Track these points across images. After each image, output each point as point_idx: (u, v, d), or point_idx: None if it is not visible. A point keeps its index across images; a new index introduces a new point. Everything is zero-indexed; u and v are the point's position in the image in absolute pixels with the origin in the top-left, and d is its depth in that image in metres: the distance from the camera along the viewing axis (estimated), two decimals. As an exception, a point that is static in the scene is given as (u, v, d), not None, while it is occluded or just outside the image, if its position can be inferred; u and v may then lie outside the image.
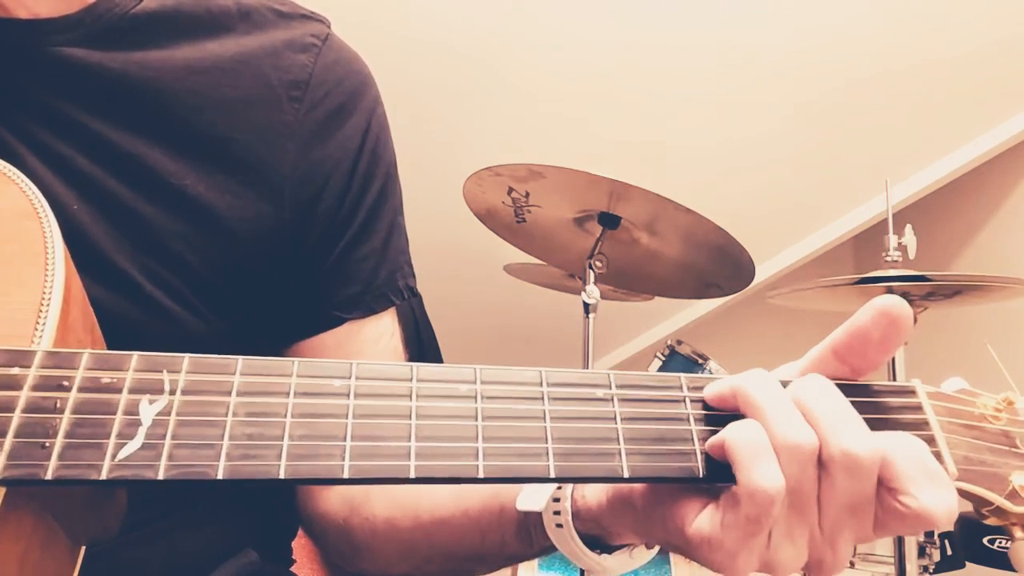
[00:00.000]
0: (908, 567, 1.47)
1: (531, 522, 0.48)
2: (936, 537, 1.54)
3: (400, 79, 1.88)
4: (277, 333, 0.61)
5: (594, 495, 0.44)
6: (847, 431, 0.36)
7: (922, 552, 1.51)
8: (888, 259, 1.56)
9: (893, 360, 1.61)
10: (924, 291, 1.52)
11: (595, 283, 1.54)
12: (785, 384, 0.39)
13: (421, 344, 0.66)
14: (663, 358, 1.89)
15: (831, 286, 1.56)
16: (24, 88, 0.52)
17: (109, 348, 0.46)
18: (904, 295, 1.53)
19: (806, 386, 0.38)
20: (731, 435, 0.37)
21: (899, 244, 1.57)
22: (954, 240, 2.54)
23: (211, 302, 0.56)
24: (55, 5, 0.53)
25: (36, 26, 0.52)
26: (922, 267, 1.51)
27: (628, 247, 1.63)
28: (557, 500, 0.45)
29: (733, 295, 1.81)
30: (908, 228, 1.58)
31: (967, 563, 1.52)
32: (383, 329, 0.63)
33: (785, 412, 0.37)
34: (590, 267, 1.54)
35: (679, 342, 1.90)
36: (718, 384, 0.40)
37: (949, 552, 1.53)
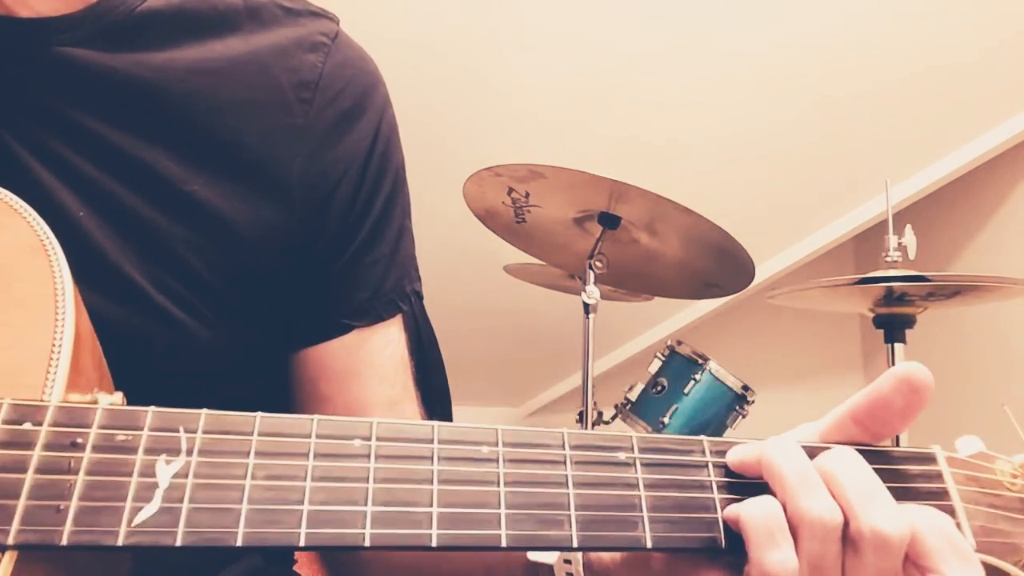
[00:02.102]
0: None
1: (540, 567, 0.48)
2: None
3: (400, 80, 1.86)
4: (284, 340, 0.60)
5: (609, 553, 0.44)
6: (876, 508, 0.36)
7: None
8: (888, 259, 1.56)
9: (893, 361, 1.62)
10: (924, 291, 1.53)
11: (595, 283, 1.54)
12: (810, 452, 0.38)
13: (421, 345, 0.65)
14: (663, 358, 1.89)
15: (831, 286, 1.57)
16: (26, 90, 0.50)
17: (115, 360, 0.46)
18: (904, 295, 1.53)
19: (834, 458, 0.38)
20: (746, 512, 0.37)
21: (899, 244, 1.57)
22: (954, 240, 2.54)
23: (219, 309, 0.55)
24: (57, 4, 0.51)
25: (38, 25, 0.50)
26: (922, 267, 1.51)
27: (628, 247, 1.62)
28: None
29: (733, 295, 1.81)
30: (908, 228, 1.58)
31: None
32: (390, 337, 0.63)
33: (810, 484, 0.36)
34: (590, 267, 1.54)
35: (679, 342, 1.90)
36: (742, 450, 0.39)
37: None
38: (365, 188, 0.61)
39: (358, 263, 0.61)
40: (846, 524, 0.36)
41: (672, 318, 2.54)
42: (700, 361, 1.84)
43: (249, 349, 0.57)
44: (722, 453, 0.39)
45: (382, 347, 0.62)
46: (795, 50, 1.98)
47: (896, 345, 1.62)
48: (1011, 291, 1.53)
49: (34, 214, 0.42)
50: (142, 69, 0.53)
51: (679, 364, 1.87)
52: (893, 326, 1.62)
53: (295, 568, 0.70)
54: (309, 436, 0.34)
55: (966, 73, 2.02)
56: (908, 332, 1.62)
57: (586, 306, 1.54)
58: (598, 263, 1.55)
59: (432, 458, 0.35)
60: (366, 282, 0.61)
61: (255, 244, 0.56)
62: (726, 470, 0.39)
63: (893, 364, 1.60)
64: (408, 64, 1.89)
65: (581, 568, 0.44)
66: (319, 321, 0.60)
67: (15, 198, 0.43)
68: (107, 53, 0.52)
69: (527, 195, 1.52)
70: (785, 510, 0.36)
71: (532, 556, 0.45)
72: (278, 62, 0.58)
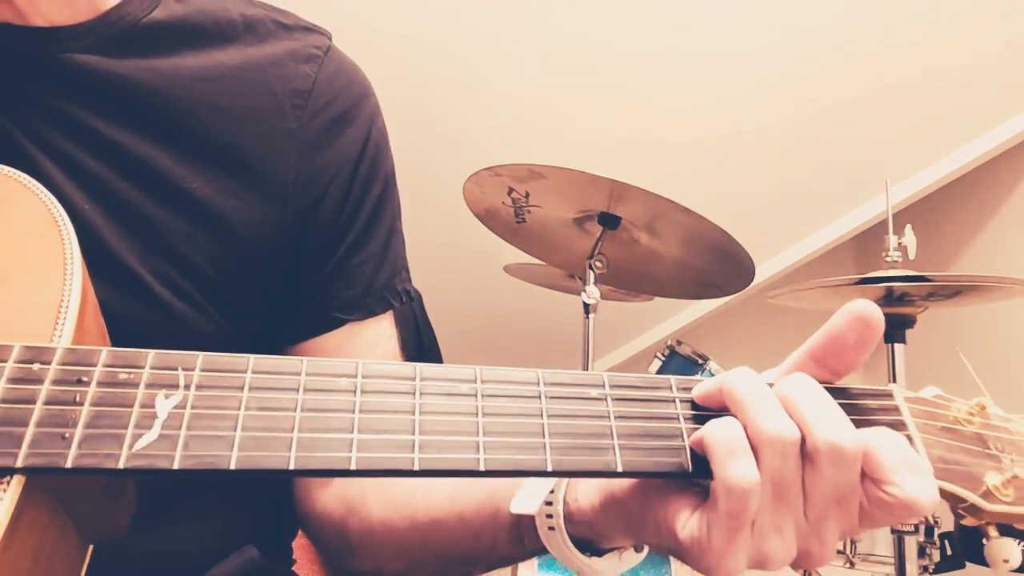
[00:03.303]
0: (908, 567, 1.47)
1: (524, 525, 0.49)
2: (936, 537, 1.55)
3: (400, 80, 1.89)
4: (279, 334, 0.63)
5: (586, 498, 0.46)
6: (830, 422, 0.38)
7: (922, 552, 1.51)
8: (888, 259, 1.56)
9: (893, 361, 1.61)
10: (924, 291, 1.52)
11: (595, 283, 1.54)
12: (771, 385, 0.41)
13: (422, 345, 0.68)
14: (663, 358, 1.89)
15: (831, 286, 1.57)
16: (38, 93, 0.54)
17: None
18: (904, 295, 1.54)
19: (790, 382, 0.40)
20: (708, 431, 0.39)
21: (899, 244, 1.57)
22: (954, 240, 2.54)
23: (217, 302, 0.58)
24: (69, 13, 0.55)
25: (51, 33, 0.54)
26: (922, 267, 1.51)
27: (628, 247, 1.63)
28: (550, 504, 0.47)
29: (733, 295, 1.82)
30: (908, 228, 1.58)
31: (967, 563, 1.53)
32: (382, 332, 0.66)
33: (768, 405, 0.39)
34: (590, 267, 1.55)
35: (679, 342, 1.90)
36: (706, 384, 0.41)
37: (949, 552, 1.54)
38: (355, 190, 0.64)
39: (349, 261, 0.64)
40: (804, 442, 0.38)
41: (672, 318, 2.54)
42: (700, 361, 1.85)
43: (245, 342, 0.60)
44: (688, 389, 0.41)
45: (374, 341, 0.65)
46: (796, 51, 1.99)
47: (896, 345, 1.61)
48: (1011, 291, 1.53)
49: (47, 192, 0.45)
50: (146, 74, 0.56)
51: (679, 364, 1.87)
52: (893, 326, 1.61)
53: (294, 568, 0.72)
54: (299, 374, 0.37)
55: (966, 74, 2.02)
56: (908, 332, 1.62)
57: (586, 306, 1.54)
58: (598, 263, 1.56)
59: (414, 393, 0.37)
60: (357, 279, 0.64)
61: (251, 240, 0.59)
62: (692, 404, 0.41)
63: (894, 364, 1.60)
64: (409, 64, 1.91)
65: (562, 520, 0.46)
66: (312, 316, 0.63)
67: (30, 179, 0.46)
68: (114, 59, 0.55)
69: (527, 195, 1.53)
70: (747, 432, 0.38)
71: (515, 508, 0.47)
72: (273, 72, 0.61)
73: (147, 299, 0.54)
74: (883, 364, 1.62)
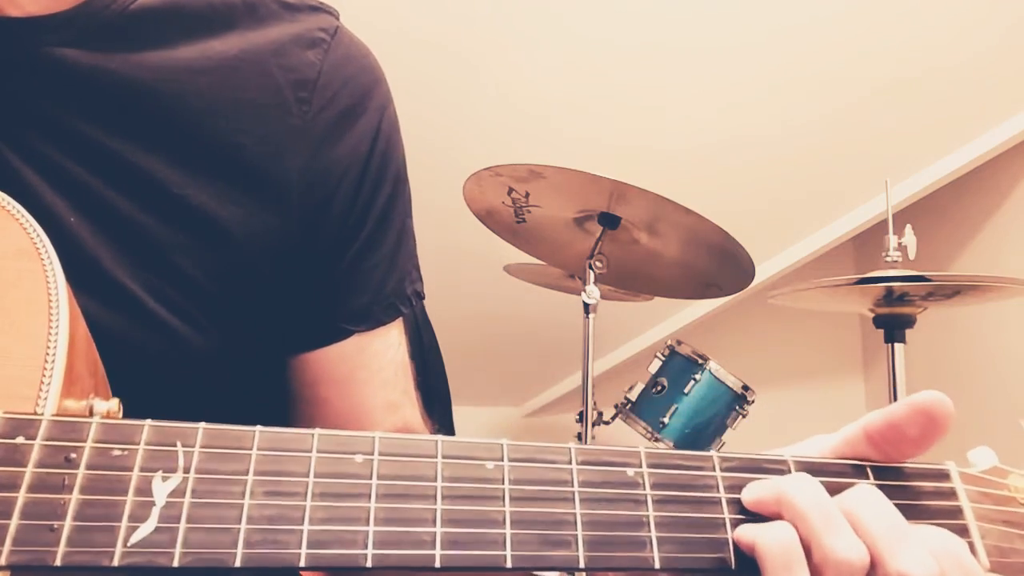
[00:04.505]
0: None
1: None
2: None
3: (400, 79, 1.85)
4: (283, 345, 0.59)
5: None
6: (906, 553, 0.35)
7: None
8: (888, 259, 1.57)
9: (893, 361, 1.61)
10: (924, 291, 1.53)
11: (595, 283, 1.54)
12: (830, 487, 0.37)
13: (422, 344, 0.65)
14: (663, 358, 1.89)
15: (831, 286, 1.57)
16: (16, 92, 0.49)
17: (110, 368, 0.45)
18: (904, 295, 1.53)
19: (856, 498, 0.37)
20: (762, 539, 0.35)
21: (899, 244, 1.57)
22: (954, 240, 2.54)
23: (215, 316, 0.54)
24: (47, 3, 0.49)
25: (27, 25, 0.49)
26: (922, 267, 1.51)
27: (628, 247, 1.62)
28: None
29: (733, 295, 1.81)
30: (908, 228, 1.58)
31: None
32: (390, 341, 0.62)
33: (835, 523, 0.35)
34: (590, 267, 1.54)
35: (679, 342, 1.90)
36: (758, 488, 0.38)
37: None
38: (365, 189, 0.59)
39: (358, 266, 0.59)
40: (872, 568, 0.35)
41: (672, 318, 2.53)
42: (700, 361, 1.84)
43: (246, 355, 0.57)
44: (732, 468, 0.38)
45: (382, 351, 0.61)
46: (796, 51, 1.97)
47: (896, 345, 1.61)
48: (1011, 291, 1.54)
49: (27, 216, 0.41)
50: (135, 70, 0.51)
51: (679, 364, 1.87)
52: (893, 326, 1.61)
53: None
54: (310, 451, 0.33)
55: (966, 73, 2.01)
56: (908, 332, 1.62)
57: (586, 306, 1.54)
58: (598, 263, 1.55)
59: (436, 475, 0.34)
60: (366, 285, 0.60)
61: (251, 249, 0.54)
62: (736, 486, 0.38)
63: (894, 364, 1.60)
64: (409, 63, 1.87)
65: None
66: (318, 326, 0.59)
67: (7, 198, 0.42)
68: (99, 53, 0.50)
69: (527, 195, 1.52)
70: (809, 549, 0.35)
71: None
72: (276, 61, 0.56)
73: (141, 317, 0.51)
74: (883, 364, 1.63)
